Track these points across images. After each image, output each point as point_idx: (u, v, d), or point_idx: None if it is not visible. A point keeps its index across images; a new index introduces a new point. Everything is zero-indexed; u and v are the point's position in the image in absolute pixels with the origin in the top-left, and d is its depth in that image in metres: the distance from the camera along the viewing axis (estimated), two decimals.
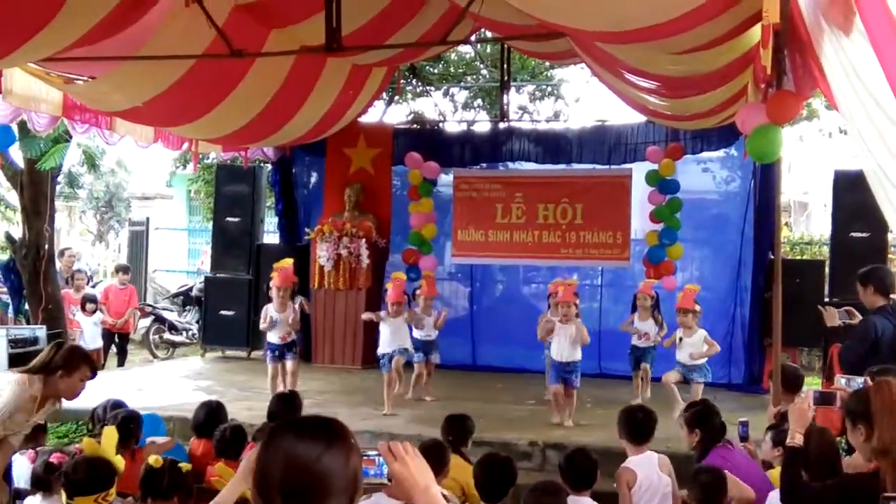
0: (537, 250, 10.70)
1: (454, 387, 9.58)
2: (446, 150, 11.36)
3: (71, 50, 6.12)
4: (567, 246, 10.56)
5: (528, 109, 16.10)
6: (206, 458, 5.48)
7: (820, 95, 8.02)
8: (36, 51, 6.08)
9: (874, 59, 2.49)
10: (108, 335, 11.52)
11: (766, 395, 7.24)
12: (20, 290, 10.85)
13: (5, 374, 4.79)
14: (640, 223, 10.49)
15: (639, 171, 10.31)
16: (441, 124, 14.60)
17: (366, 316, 9.11)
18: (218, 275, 12.01)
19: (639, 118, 10.14)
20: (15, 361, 7.95)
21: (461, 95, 16.35)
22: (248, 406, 8.02)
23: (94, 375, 5.01)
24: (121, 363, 11.90)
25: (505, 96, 11.56)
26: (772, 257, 7.41)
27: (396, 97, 14.76)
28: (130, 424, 5.33)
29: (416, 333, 8.88)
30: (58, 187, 12.57)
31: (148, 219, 19.63)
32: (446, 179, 11.22)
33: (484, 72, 15.94)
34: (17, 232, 11.21)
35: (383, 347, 8.44)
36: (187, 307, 15.73)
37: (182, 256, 21.10)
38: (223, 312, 11.66)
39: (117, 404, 5.91)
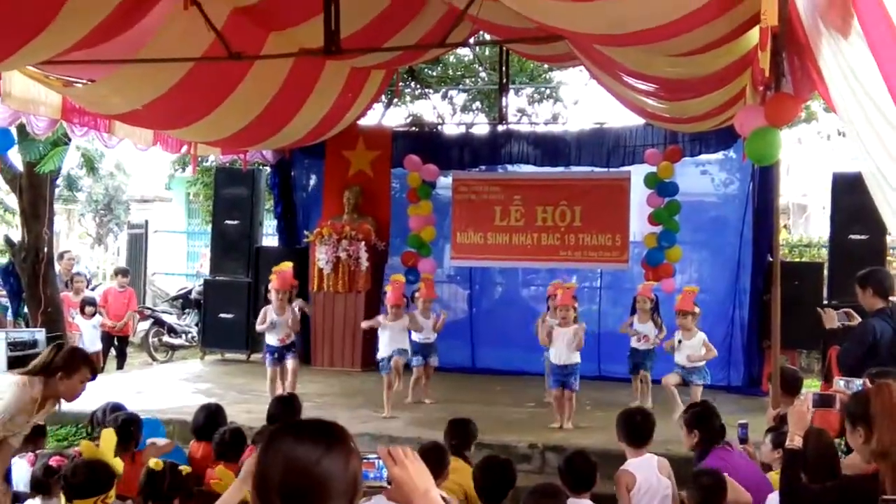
0: (536, 253, 10.69)
1: (453, 389, 9.57)
2: (445, 153, 11.36)
3: (70, 53, 6.12)
4: (566, 248, 10.55)
5: (526, 112, 16.10)
6: (206, 461, 5.48)
7: (818, 98, 8.04)
8: (35, 54, 6.08)
9: (872, 61, 2.50)
10: (107, 338, 11.51)
11: (766, 398, 7.24)
12: (19, 293, 10.85)
13: (5, 376, 4.77)
14: (639, 225, 10.49)
15: (637, 173, 10.31)
16: (440, 127, 14.64)
17: (365, 324, 9.07)
18: (217, 277, 12.01)
19: (637, 121, 10.15)
20: (14, 364, 7.93)
21: (460, 98, 16.36)
22: (248, 409, 8.01)
23: (94, 377, 5.01)
24: (120, 366, 11.89)
25: (504, 99, 11.56)
26: (770, 259, 7.42)
27: (395, 100, 14.75)
28: (130, 427, 5.33)
29: (415, 336, 8.88)
30: (57, 190, 12.57)
31: (147, 221, 19.61)
32: (445, 182, 11.22)
33: (483, 74, 15.95)
34: (16, 235, 11.20)
35: (383, 351, 8.45)
36: (186, 310, 15.72)
37: (181, 259, 21.09)
38: (222, 315, 11.65)
39: (116, 407, 5.91)
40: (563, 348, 7.86)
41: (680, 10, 4.35)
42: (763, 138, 4.93)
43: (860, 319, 6.15)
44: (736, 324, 10.21)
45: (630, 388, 8.87)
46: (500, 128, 11.61)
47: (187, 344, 14.45)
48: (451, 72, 15.70)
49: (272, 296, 8.55)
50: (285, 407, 5.86)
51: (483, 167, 11.49)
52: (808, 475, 3.75)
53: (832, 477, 3.79)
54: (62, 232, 23.18)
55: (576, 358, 7.88)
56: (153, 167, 21.09)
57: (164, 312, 15.17)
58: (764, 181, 9.59)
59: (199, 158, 12.17)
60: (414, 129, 13.75)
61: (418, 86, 15.42)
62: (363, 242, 10.86)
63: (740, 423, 5.35)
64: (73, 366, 4.73)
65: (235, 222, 11.85)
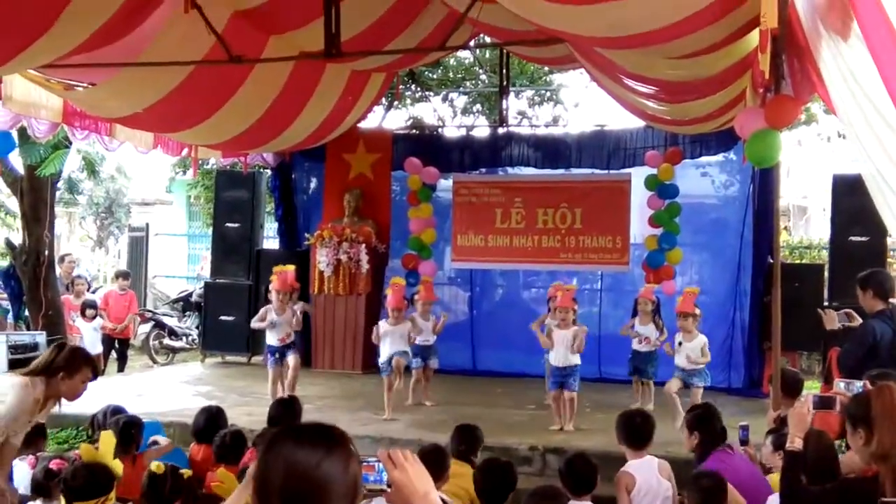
0: (537, 255, 10.69)
1: (454, 391, 9.57)
2: (445, 156, 11.37)
3: (71, 56, 6.13)
4: (566, 250, 10.56)
5: (527, 114, 16.12)
6: (206, 464, 5.48)
7: (818, 100, 8.04)
8: (36, 57, 6.09)
9: (872, 64, 2.50)
10: (107, 341, 11.52)
11: (766, 400, 7.23)
12: (20, 296, 10.87)
13: (7, 377, 4.77)
14: (640, 228, 10.49)
15: (638, 175, 10.31)
16: (440, 129, 14.64)
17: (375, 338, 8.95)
18: (218, 280, 12.02)
19: (638, 123, 10.16)
20: (15, 367, 7.95)
21: (460, 100, 16.38)
22: (248, 411, 8.01)
23: (95, 377, 5.01)
24: (121, 369, 11.90)
25: (504, 101, 11.57)
26: (771, 261, 7.42)
27: (396, 102, 14.77)
28: (131, 430, 5.35)
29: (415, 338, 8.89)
30: (58, 193, 12.59)
31: (148, 224, 19.60)
32: (446, 184, 11.22)
33: (483, 77, 15.96)
34: (17, 238, 11.23)
35: (384, 354, 8.45)
36: (187, 313, 15.71)
37: (182, 262, 21.09)
38: (223, 318, 11.65)
39: (117, 410, 5.92)
40: (562, 350, 7.87)
41: (680, 12, 4.35)
42: (763, 140, 4.94)
43: (861, 320, 6.16)
44: (736, 325, 10.21)
45: (631, 391, 8.87)
46: (501, 130, 11.62)
47: (188, 347, 14.44)
48: (451, 74, 15.72)
49: (272, 296, 8.58)
50: (286, 409, 5.86)
51: (483, 169, 11.49)
52: (808, 477, 3.75)
53: (832, 479, 3.79)
54: (63, 235, 23.19)
55: (575, 360, 7.88)
56: (154, 170, 21.15)
57: (164, 315, 15.16)
58: (764, 183, 9.59)
59: (200, 161, 12.14)
60: (414, 131, 13.74)
61: (419, 88, 15.43)
62: (364, 245, 10.87)
63: (741, 425, 5.35)
64: (74, 366, 4.73)
65: (236, 225, 11.86)
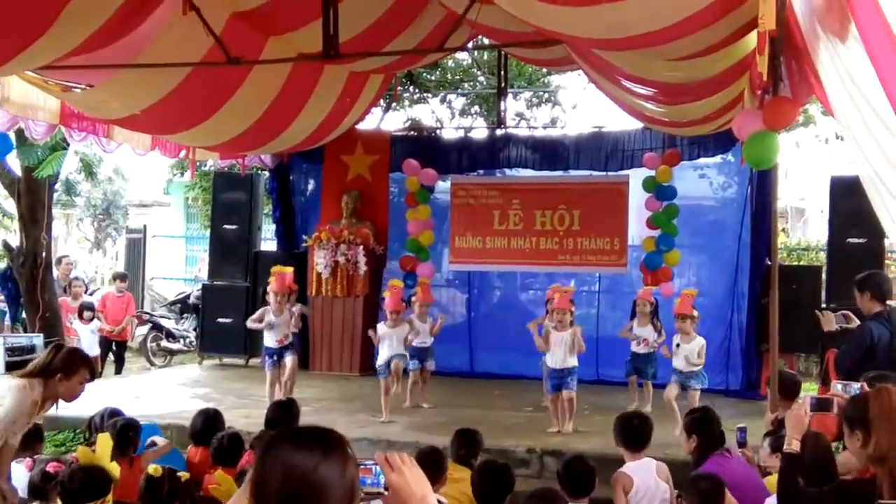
0: (535, 257, 10.69)
1: (452, 394, 9.57)
2: (444, 157, 11.36)
3: (69, 58, 6.13)
4: (564, 252, 10.55)
5: (525, 116, 16.13)
6: (204, 466, 5.48)
7: (816, 102, 8.04)
8: (34, 59, 6.09)
9: (870, 66, 2.50)
10: (105, 343, 11.51)
11: (764, 402, 7.23)
12: (17, 298, 10.85)
13: (4, 379, 4.76)
14: (638, 229, 10.49)
15: (636, 177, 10.31)
16: (438, 131, 14.63)
17: (371, 332, 8.97)
18: (215, 282, 12.02)
19: (636, 124, 10.15)
20: (12, 369, 7.94)
21: (458, 102, 16.39)
22: (246, 414, 8.00)
23: (92, 378, 5.00)
24: (118, 371, 11.89)
25: (502, 103, 11.58)
26: (769, 263, 7.41)
27: (394, 104, 14.78)
28: (129, 432, 5.34)
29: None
30: (55, 195, 12.57)
31: (145, 226, 19.60)
32: (444, 186, 11.21)
33: (481, 78, 15.98)
34: (15, 240, 11.22)
35: (382, 357, 8.45)
36: (185, 315, 15.72)
37: (179, 264, 21.08)
38: (220, 320, 11.65)
39: (115, 412, 5.91)
40: (559, 352, 7.86)
41: (678, 14, 4.35)
42: (761, 142, 4.94)
43: (858, 322, 6.16)
44: (734, 327, 10.21)
45: (629, 392, 8.86)
46: (499, 132, 11.63)
47: (185, 349, 14.45)
48: (449, 76, 15.72)
49: (270, 298, 8.58)
50: (283, 412, 5.86)
51: (481, 171, 11.50)
52: (805, 479, 3.75)
53: (829, 480, 3.79)
54: (60, 237, 23.18)
55: (572, 361, 7.87)
56: (152, 172, 21.15)
57: (162, 317, 15.16)
58: (762, 185, 9.60)
59: (198, 163, 12.18)
60: (412, 133, 13.75)
61: (417, 90, 15.43)
62: (361, 247, 10.86)
63: (739, 427, 5.35)
64: (72, 367, 4.72)
65: (234, 227, 11.86)
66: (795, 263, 13.52)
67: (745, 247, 10.16)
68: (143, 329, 14.24)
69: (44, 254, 10.41)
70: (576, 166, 10.92)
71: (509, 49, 9.91)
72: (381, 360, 8.47)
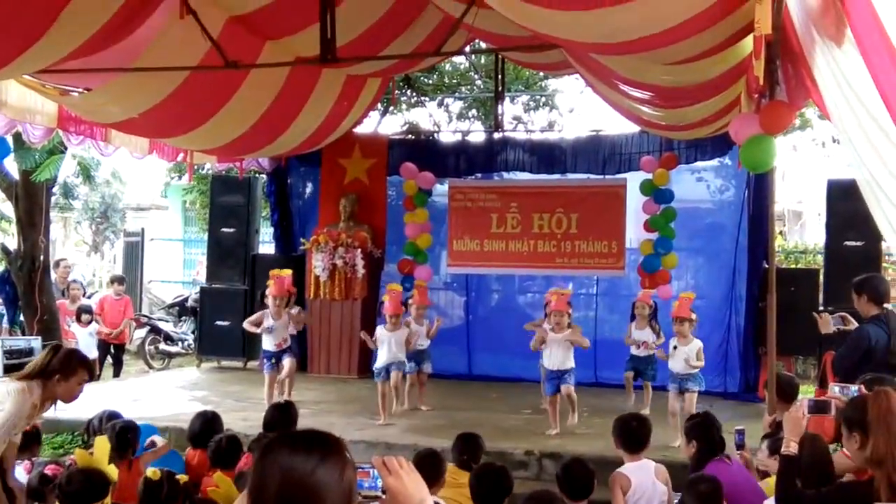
0: (532, 260, 10.71)
1: (450, 396, 9.58)
2: (441, 161, 11.37)
3: (66, 62, 6.13)
4: (562, 255, 10.57)
5: (522, 119, 16.17)
6: (202, 469, 5.48)
7: (813, 105, 8.06)
8: (31, 63, 6.09)
9: (865, 69, 2.51)
10: (103, 346, 11.49)
11: (762, 404, 7.24)
12: (15, 301, 10.83)
13: (3, 382, 4.76)
14: (635, 232, 10.51)
15: (633, 180, 10.33)
16: (436, 134, 14.65)
17: (367, 339, 8.94)
18: (213, 285, 12.01)
19: (633, 128, 10.16)
20: (10, 372, 7.93)
21: (456, 106, 16.41)
22: (244, 416, 8.01)
23: (91, 379, 5.00)
24: (116, 374, 11.87)
25: (499, 106, 11.59)
26: (766, 266, 7.43)
27: (391, 108, 14.80)
28: (127, 435, 5.34)
29: None
30: (53, 198, 12.55)
31: (143, 229, 19.60)
32: (441, 189, 11.23)
33: (478, 82, 16.00)
34: (12, 243, 11.19)
35: (381, 361, 8.45)
36: (183, 318, 15.70)
37: (177, 267, 21.08)
38: (219, 323, 11.65)
39: (113, 415, 5.91)
40: (556, 353, 7.88)
41: (675, 18, 4.36)
42: (758, 146, 4.96)
43: (855, 323, 6.17)
44: (732, 330, 10.22)
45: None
46: (496, 135, 11.65)
47: (184, 352, 14.43)
48: (446, 80, 15.74)
49: (269, 301, 8.58)
50: (282, 414, 5.86)
51: (479, 175, 11.51)
52: (803, 481, 3.76)
53: (827, 482, 3.79)
54: (58, 240, 23.15)
55: (570, 363, 7.89)
56: (149, 175, 21.14)
57: (160, 320, 15.15)
58: (759, 188, 9.62)
59: (196, 166, 12.16)
60: (410, 136, 13.76)
61: (414, 94, 15.46)
62: (359, 250, 10.87)
63: (737, 430, 5.36)
64: (70, 368, 4.72)
65: (232, 230, 11.87)
66: (793, 266, 13.53)
67: (742, 250, 10.18)
68: (142, 332, 14.24)
69: (42, 257, 10.40)
70: (573, 170, 10.94)
71: (506, 53, 9.92)
72: (379, 364, 8.47)
